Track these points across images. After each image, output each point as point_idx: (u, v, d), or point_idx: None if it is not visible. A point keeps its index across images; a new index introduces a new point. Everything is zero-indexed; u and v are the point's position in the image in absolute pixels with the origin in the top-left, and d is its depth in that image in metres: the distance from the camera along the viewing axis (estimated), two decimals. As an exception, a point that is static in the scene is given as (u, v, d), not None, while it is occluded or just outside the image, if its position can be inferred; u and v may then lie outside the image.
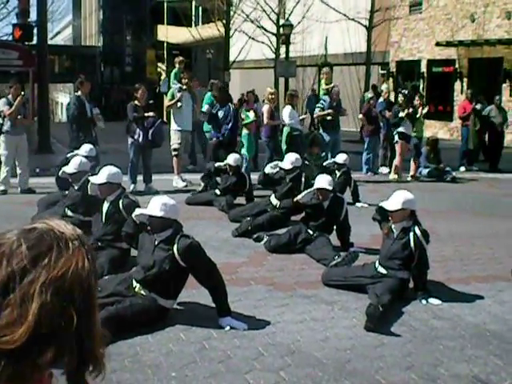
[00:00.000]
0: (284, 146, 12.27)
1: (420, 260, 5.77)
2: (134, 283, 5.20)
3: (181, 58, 14.56)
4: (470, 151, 15.90)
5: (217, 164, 10.24)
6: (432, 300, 5.70)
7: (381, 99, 14.96)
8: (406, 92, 13.99)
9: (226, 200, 9.62)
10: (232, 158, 9.87)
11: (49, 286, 1.12)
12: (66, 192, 8.30)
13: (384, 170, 14.45)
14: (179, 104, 11.87)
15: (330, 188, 7.31)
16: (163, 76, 26.44)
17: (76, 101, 11.17)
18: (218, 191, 10.04)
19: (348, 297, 5.81)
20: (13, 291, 1.11)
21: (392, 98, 16.71)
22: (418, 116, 13.57)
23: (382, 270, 5.88)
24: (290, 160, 8.86)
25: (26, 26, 20.15)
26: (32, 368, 1.13)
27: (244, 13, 28.02)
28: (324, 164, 11.00)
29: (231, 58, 29.11)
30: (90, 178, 6.84)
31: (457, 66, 25.02)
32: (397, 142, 13.24)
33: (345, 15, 25.02)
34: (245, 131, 12.49)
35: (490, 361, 4.50)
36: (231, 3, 28.16)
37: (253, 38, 27.90)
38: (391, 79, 27.57)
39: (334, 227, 7.52)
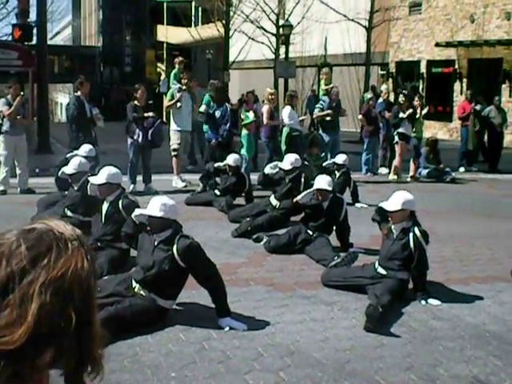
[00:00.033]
0: (283, 147, 12.27)
1: (419, 261, 5.76)
2: (134, 283, 5.20)
3: (180, 59, 14.56)
4: (469, 152, 15.90)
5: (216, 164, 10.23)
6: (431, 301, 5.70)
7: (380, 100, 14.95)
8: (406, 92, 14.00)
9: (225, 200, 9.61)
10: (231, 159, 9.87)
11: (48, 287, 1.12)
12: (66, 192, 8.30)
13: (383, 170, 14.45)
14: (179, 104, 11.87)
15: (330, 188, 7.31)
16: (163, 76, 26.46)
17: (75, 101, 11.16)
18: (217, 192, 10.04)
19: (347, 297, 5.81)
20: (12, 292, 1.11)
21: (391, 99, 16.71)
22: (417, 117, 13.58)
23: (382, 271, 5.88)
24: (289, 160, 8.86)
25: (25, 26, 20.18)
26: (31, 368, 1.13)
27: (244, 13, 28.01)
28: (323, 164, 11.00)
29: (231, 59, 29.10)
30: (90, 179, 6.85)
31: (456, 66, 25.03)
32: (397, 142, 13.25)
33: (344, 16, 25.02)
34: (244, 131, 12.49)
35: (489, 361, 4.50)
36: (231, 3, 28.15)
37: (252, 39, 27.90)
38: (391, 80, 27.59)
39: (334, 228, 7.52)
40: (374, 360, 4.45)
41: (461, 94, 23.56)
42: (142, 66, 48.49)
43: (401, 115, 13.07)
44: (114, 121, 22.36)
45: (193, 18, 42.06)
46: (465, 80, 24.64)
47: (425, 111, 14.11)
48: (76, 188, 7.75)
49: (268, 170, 9.34)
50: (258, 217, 8.48)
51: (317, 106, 13.69)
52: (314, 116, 13.85)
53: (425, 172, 13.65)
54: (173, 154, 11.94)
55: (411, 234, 5.78)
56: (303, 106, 24.78)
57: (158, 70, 46.42)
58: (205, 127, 12.45)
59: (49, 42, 21.37)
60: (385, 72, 28.08)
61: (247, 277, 6.40)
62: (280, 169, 8.97)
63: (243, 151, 12.21)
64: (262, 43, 27.89)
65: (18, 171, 11.05)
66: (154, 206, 5.13)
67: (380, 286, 5.65)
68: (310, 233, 7.35)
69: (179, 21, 38.03)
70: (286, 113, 12.45)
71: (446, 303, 5.68)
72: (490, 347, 4.75)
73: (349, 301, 5.72)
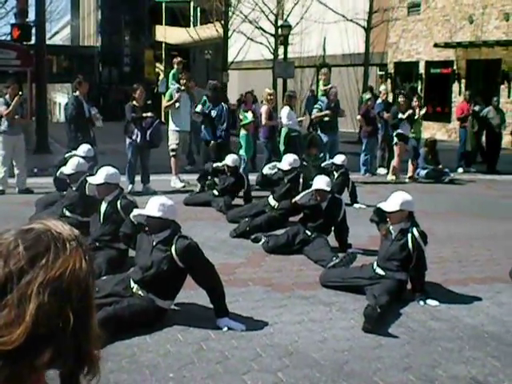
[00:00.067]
0: (282, 147, 12.27)
1: (418, 261, 5.76)
2: (132, 284, 5.19)
3: (179, 59, 14.55)
4: (467, 153, 15.91)
5: (215, 165, 10.23)
6: (430, 301, 5.69)
7: (379, 100, 14.96)
8: (405, 93, 14.01)
9: (224, 201, 9.61)
10: (230, 159, 9.87)
11: (46, 287, 1.11)
12: (64, 192, 8.30)
13: (382, 171, 14.46)
14: (177, 104, 11.87)
15: (328, 189, 7.31)
16: (161, 76, 26.45)
17: (74, 101, 11.16)
18: (216, 192, 10.04)
19: (346, 298, 5.81)
20: (10, 292, 1.10)
21: (390, 100, 16.72)
22: (416, 118, 13.58)
23: (380, 272, 5.88)
24: (288, 161, 8.86)
25: (24, 25, 20.18)
26: (29, 369, 1.13)
27: (242, 13, 28.02)
28: (322, 165, 11.00)
29: (229, 59, 29.12)
30: (88, 179, 6.85)
31: (455, 67, 25.05)
32: (396, 143, 13.25)
33: (343, 16, 25.03)
34: (243, 132, 12.49)
35: (487, 362, 4.50)
36: (230, 4, 28.17)
37: (251, 39, 27.91)
38: (389, 80, 27.61)
39: (332, 228, 7.52)
40: (373, 361, 4.45)
41: (459, 94, 23.57)
42: (140, 66, 48.50)
43: (400, 116, 13.07)
44: (112, 121, 22.38)
45: (191, 18, 42.07)
46: (463, 81, 24.66)
47: (423, 112, 14.12)
48: (74, 188, 7.75)
49: (266, 170, 9.34)
50: (257, 217, 8.48)
51: (315, 106, 13.68)
52: (313, 116, 13.84)
53: (423, 173, 13.65)
54: (171, 154, 11.94)
55: (410, 235, 5.77)
56: (302, 107, 24.81)
57: (157, 70, 46.46)
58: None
59: (47, 42, 21.43)
60: (383, 73, 28.09)
61: (245, 277, 6.39)
62: (278, 169, 8.97)
63: (242, 151, 12.21)
64: (261, 43, 27.91)
65: (16, 171, 11.04)
66: (153, 206, 5.13)
67: (378, 286, 5.65)
68: (309, 233, 7.35)
69: (178, 21, 38.05)
70: (284, 113, 12.45)
71: (445, 304, 5.68)
72: (489, 348, 4.75)
73: (347, 301, 5.72)
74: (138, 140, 11.00)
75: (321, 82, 15.77)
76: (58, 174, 8.33)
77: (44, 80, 18.68)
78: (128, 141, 11.20)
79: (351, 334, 4.93)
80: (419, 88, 25.58)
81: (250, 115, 12.76)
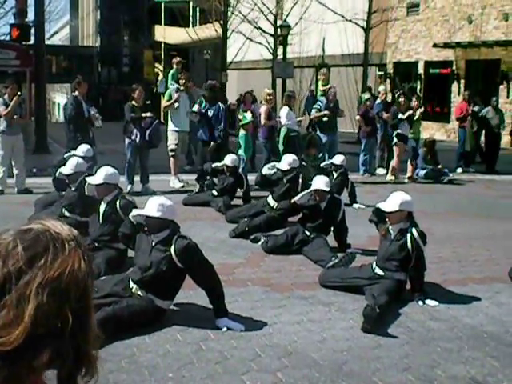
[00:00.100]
0: (281, 147, 12.26)
1: (417, 261, 5.76)
2: (131, 284, 5.19)
3: (178, 59, 14.54)
4: (467, 153, 15.92)
5: (214, 165, 10.23)
6: (429, 301, 5.70)
7: (378, 101, 14.97)
8: (404, 92, 14.01)
9: (223, 201, 9.61)
10: (229, 159, 9.87)
11: (45, 287, 1.11)
12: (63, 192, 8.29)
13: (381, 171, 14.46)
14: (176, 104, 11.87)
15: (327, 189, 7.31)
16: (160, 76, 26.43)
17: (73, 101, 11.15)
18: (215, 192, 10.04)
19: (345, 298, 5.81)
20: (9, 292, 1.10)
21: (389, 100, 16.72)
22: (415, 118, 13.58)
23: (379, 272, 5.88)
24: (287, 161, 8.85)
25: (23, 25, 20.16)
26: (28, 370, 1.13)
27: (241, 13, 28.02)
28: (321, 165, 11.00)
29: (229, 59, 29.11)
30: (87, 179, 6.84)
31: (454, 67, 25.06)
32: (396, 143, 13.25)
33: (342, 16, 25.03)
34: (242, 132, 12.49)
35: (486, 362, 4.50)
36: (229, 4, 28.16)
37: (250, 39, 27.91)
38: (388, 80, 27.61)
39: (332, 228, 7.52)
40: (372, 361, 4.45)
41: (458, 94, 23.57)
42: (139, 67, 48.49)
43: (400, 116, 13.07)
44: (111, 121, 22.35)
45: (191, 18, 42.09)
46: (462, 81, 24.67)
47: (419, 112, 14.09)
48: (73, 188, 7.75)
49: (266, 170, 9.34)
50: (256, 217, 8.47)
51: (314, 106, 13.69)
52: (312, 116, 13.85)
53: (422, 173, 13.66)
54: (170, 154, 11.94)
55: (409, 235, 5.77)
56: (301, 107, 24.79)
57: (156, 70, 46.45)
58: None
59: (46, 42, 21.39)
60: (382, 73, 28.10)
61: (245, 277, 6.39)
62: (278, 169, 8.97)
63: (241, 151, 12.21)
64: (260, 44, 27.91)
65: (15, 171, 11.04)
66: (152, 207, 5.13)
67: (377, 286, 5.65)
68: (308, 233, 7.35)
69: (177, 21, 38.07)
70: (283, 113, 12.45)
71: (444, 304, 5.68)
72: (488, 348, 4.75)
73: (346, 301, 5.72)
74: (137, 140, 11.00)
75: (320, 82, 15.78)
76: (57, 174, 8.33)
77: (43, 80, 18.67)
78: (127, 141, 11.20)
79: (350, 334, 4.93)
80: (418, 88, 25.60)
81: (249, 115, 12.76)
